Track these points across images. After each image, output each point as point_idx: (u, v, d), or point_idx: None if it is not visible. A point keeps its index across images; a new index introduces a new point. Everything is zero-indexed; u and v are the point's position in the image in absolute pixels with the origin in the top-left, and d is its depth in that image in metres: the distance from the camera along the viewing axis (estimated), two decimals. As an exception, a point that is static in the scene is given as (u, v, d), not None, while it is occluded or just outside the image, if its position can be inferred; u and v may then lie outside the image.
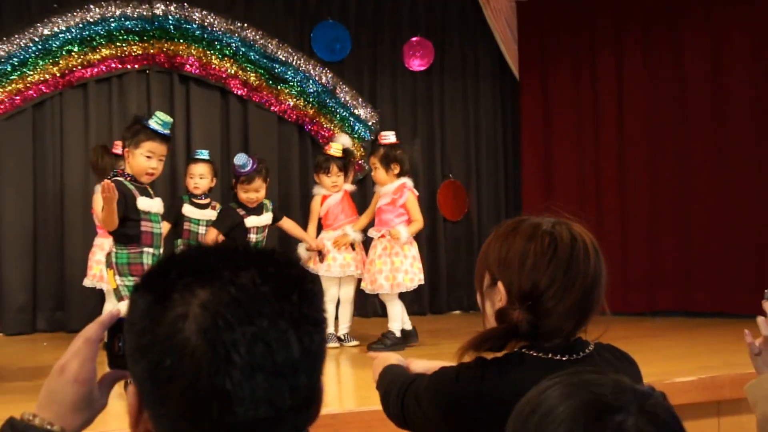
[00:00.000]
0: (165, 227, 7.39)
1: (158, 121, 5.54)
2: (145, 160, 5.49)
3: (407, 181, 7.38)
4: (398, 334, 7.16)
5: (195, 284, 1.25)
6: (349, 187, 7.77)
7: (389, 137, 7.48)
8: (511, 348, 2.28)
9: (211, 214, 7.41)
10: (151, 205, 5.52)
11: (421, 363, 2.82)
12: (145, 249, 5.45)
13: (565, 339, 2.28)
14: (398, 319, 7.22)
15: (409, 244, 7.29)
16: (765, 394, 2.45)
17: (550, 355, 2.24)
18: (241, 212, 7.04)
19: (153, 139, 5.50)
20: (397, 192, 7.29)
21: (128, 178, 5.50)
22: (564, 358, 2.24)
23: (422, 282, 7.46)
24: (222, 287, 1.24)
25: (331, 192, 7.58)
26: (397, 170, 7.29)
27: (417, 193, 7.56)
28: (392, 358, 2.85)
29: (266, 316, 1.23)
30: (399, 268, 7.15)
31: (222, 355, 1.20)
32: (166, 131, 5.59)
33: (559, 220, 2.34)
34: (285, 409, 1.24)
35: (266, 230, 7.19)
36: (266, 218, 7.19)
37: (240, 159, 7.03)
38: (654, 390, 1.43)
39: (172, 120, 5.73)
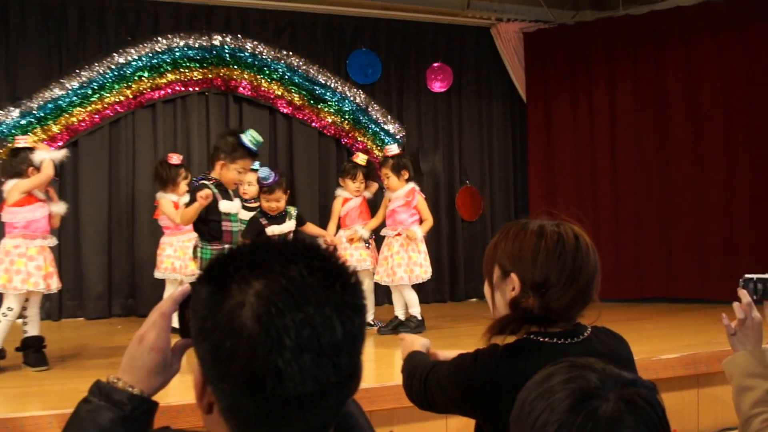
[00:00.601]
0: None
1: (253, 141, 5.54)
2: (236, 174, 5.54)
3: (415, 186, 7.35)
4: (419, 317, 7.14)
5: (250, 276, 1.26)
6: (368, 194, 7.78)
7: (393, 149, 7.49)
8: (522, 334, 2.30)
9: None
10: (230, 207, 5.56)
11: (446, 353, 2.79)
12: (226, 246, 5.27)
13: (568, 323, 2.31)
14: (417, 305, 7.19)
15: (421, 241, 7.25)
16: (739, 368, 2.46)
17: (555, 340, 2.26)
18: (264, 222, 6.87)
19: (246, 157, 5.52)
20: (408, 195, 7.24)
21: (213, 182, 5.54)
22: (567, 342, 2.27)
23: (431, 273, 7.38)
24: (274, 279, 1.25)
25: (353, 196, 7.62)
26: (406, 176, 7.26)
27: (424, 195, 7.52)
28: (418, 342, 2.83)
29: (313, 304, 1.24)
30: (416, 262, 7.13)
31: (274, 337, 1.21)
32: (256, 149, 5.63)
33: (560, 221, 2.36)
34: (329, 384, 1.26)
35: (289, 236, 6.88)
36: (288, 226, 6.96)
37: (263, 172, 6.83)
38: (639, 380, 1.45)
39: (262, 140, 5.76)
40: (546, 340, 2.27)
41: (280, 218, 6.96)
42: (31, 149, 5.74)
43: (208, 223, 5.51)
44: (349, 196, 7.65)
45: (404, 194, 7.25)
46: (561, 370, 1.48)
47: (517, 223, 2.39)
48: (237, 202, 5.75)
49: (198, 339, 1.31)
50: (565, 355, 2.07)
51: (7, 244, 5.60)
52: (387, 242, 7.30)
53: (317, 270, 1.28)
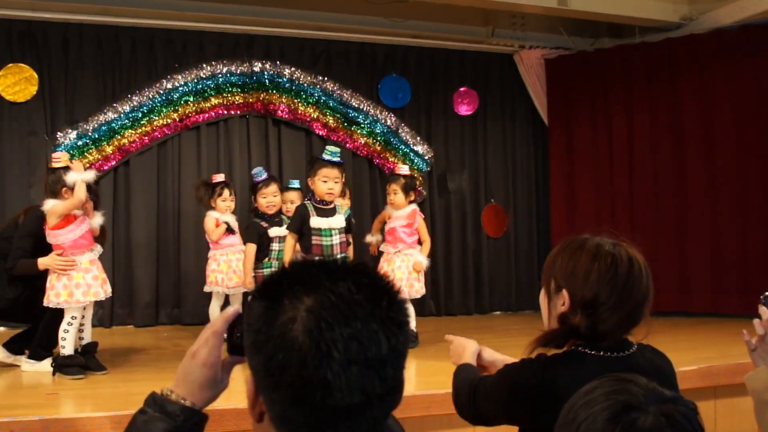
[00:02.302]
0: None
1: (327, 152, 5.67)
2: (322, 184, 5.64)
3: (417, 207, 7.20)
4: (414, 330, 6.89)
5: (302, 293, 1.28)
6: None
7: (404, 169, 7.33)
8: (569, 346, 2.28)
9: None
10: (319, 222, 5.64)
11: (492, 353, 2.77)
12: (316, 257, 5.50)
13: (615, 340, 2.28)
14: (413, 319, 6.91)
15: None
16: (761, 383, 2.42)
17: (602, 353, 2.24)
18: (264, 225, 6.61)
19: (324, 166, 5.62)
20: (410, 217, 7.05)
21: (312, 201, 5.71)
22: (613, 355, 2.24)
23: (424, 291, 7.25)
24: (324, 295, 1.26)
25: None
26: (412, 197, 7.12)
27: (424, 216, 7.38)
28: (468, 351, 2.74)
29: (360, 319, 1.25)
30: (416, 278, 6.96)
31: (324, 350, 1.23)
32: (336, 159, 5.66)
33: (618, 242, 2.32)
34: (374, 395, 1.27)
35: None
36: (281, 231, 6.66)
37: (256, 169, 6.75)
38: (680, 398, 1.44)
39: (339, 150, 5.76)
40: (592, 352, 2.25)
41: (279, 221, 6.78)
42: (65, 169, 5.65)
43: (302, 237, 5.60)
44: None
45: (406, 215, 7.07)
46: (606, 383, 1.47)
47: (577, 240, 2.37)
48: (335, 219, 5.77)
49: (252, 351, 1.33)
50: (610, 368, 2.12)
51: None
52: (387, 258, 7.09)
53: (365, 287, 1.30)
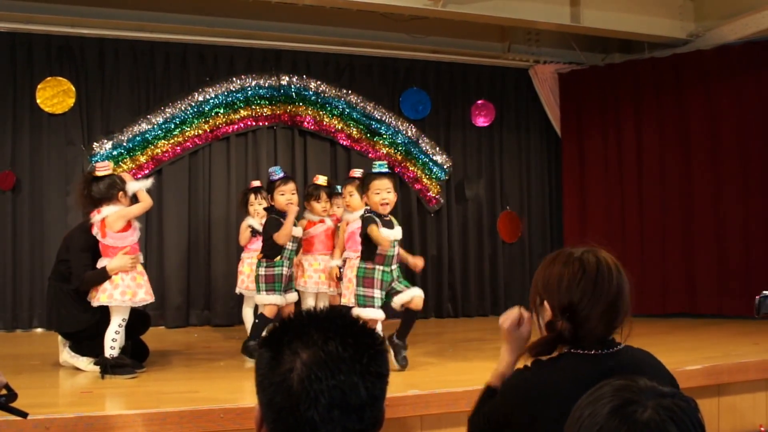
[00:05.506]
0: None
1: (375, 165, 5.64)
2: (375, 196, 5.53)
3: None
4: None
5: (299, 348, 1.47)
6: (330, 222, 7.07)
7: (358, 172, 6.88)
8: (560, 351, 2.35)
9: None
10: (388, 234, 5.50)
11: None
12: (377, 267, 5.48)
13: (601, 340, 2.32)
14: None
15: None
16: None
17: (592, 351, 2.30)
18: (283, 221, 6.07)
19: (375, 178, 5.54)
20: None
21: (373, 215, 5.55)
22: (600, 352, 2.29)
23: None
24: (316, 351, 1.46)
25: (321, 216, 6.96)
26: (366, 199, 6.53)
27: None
28: (505, 361, 2.58)
29: (344, 373, 1.46)
30: None
31: (312, 397, 1.44)
32: (384, 169, 5.59)
33: (589, 248, 2.39)
34: (354, 430, 1.47)
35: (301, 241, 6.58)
36: (299, 231, 6.41)
37: (273, 168, 6.35)
38: (678, 393, 1.46)
39: (385, 162, 5.71)
40: (584, 352, 2.31)
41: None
42: (111, 176, 5.57)
43: (369, 246, 5.52)
44: (314, 219, 6.94)
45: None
46: (611, 383, 1.50)
47: (552, 255, 2.46)
48: (396, 231, 5.63)
49: (258, 389, 1.53)
50: (599, 365, 2.22)
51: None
52: (350, 264, 6.45)
53: (350, 346, 1.49)
